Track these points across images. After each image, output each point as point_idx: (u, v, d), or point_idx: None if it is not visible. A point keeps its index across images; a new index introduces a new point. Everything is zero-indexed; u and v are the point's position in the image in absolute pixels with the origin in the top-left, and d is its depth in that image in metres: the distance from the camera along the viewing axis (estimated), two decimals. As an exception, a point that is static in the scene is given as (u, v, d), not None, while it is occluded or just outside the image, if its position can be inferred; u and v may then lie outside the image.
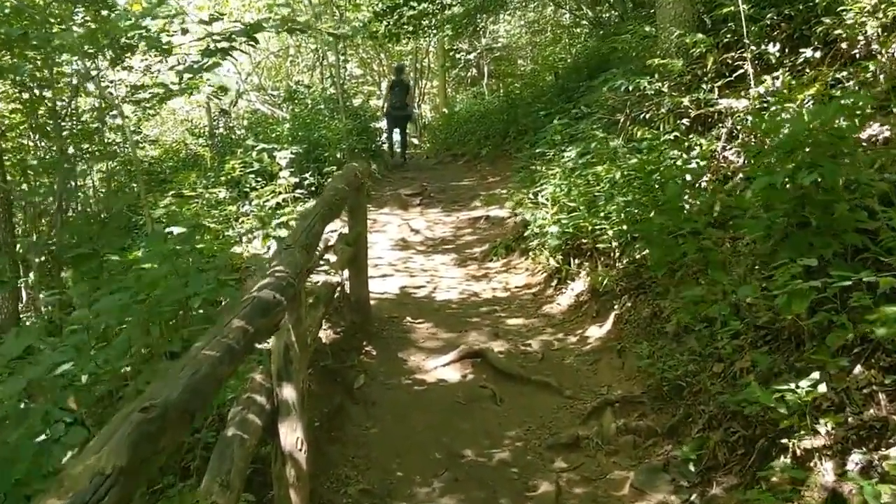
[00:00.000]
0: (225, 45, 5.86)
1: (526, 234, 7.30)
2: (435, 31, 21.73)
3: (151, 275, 3.69)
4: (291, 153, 8.64)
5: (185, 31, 6.44)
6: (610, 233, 5.48)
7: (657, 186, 4.98)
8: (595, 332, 5.05)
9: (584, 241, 5.97)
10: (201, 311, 3.66)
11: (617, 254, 5.55)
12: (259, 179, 8.85)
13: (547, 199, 6.65)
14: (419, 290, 6.63)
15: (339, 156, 9.87)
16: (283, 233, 7.84)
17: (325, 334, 4.85)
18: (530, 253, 7.09)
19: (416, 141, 25.07)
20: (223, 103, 12.82)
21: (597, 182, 6.02)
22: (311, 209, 3.76)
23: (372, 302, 6.01)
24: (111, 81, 12.65)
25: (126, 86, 12.87)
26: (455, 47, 24.23)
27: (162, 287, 3.57)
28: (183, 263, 3.91)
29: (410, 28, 16.52)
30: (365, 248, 5.42)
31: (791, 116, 4.09)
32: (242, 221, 8.05)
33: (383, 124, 14.05)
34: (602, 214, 5.61)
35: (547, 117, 10.71)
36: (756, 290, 3.34)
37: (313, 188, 9.44)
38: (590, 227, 5.72)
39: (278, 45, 19.08)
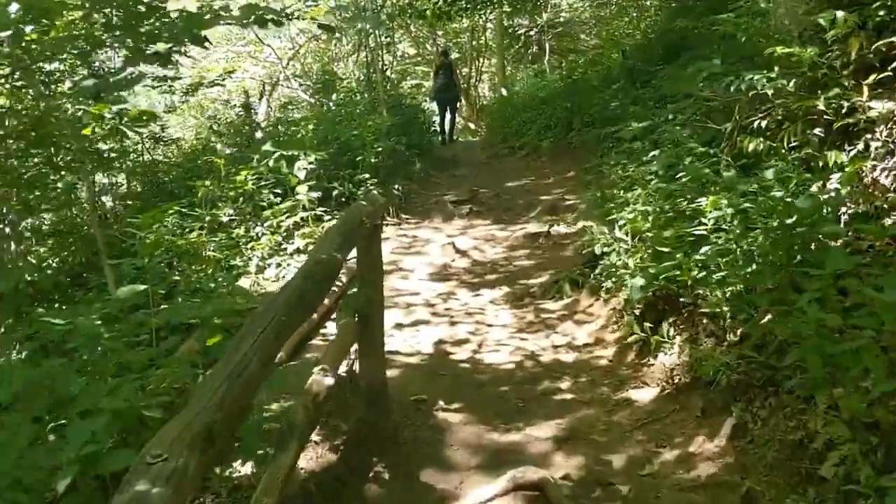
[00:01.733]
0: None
1: (596, 265, 5.79)
2: (492, 7, 20.15)
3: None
4: (311, 162, 7.26)
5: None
6: (719, 292, 3.92)
7: (796, 236, 3.41)
8: (704, 448, 3.50)
9: (680, 295, 4.42)
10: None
11: (728, 319, 3.98)
12: (278, 192, 7.52)
13: (626, 232, 5.10)
14: (460, 347, 5.17)
15: (374, 160, 8.45)
16: (298, 262, 6.52)
17: (315, 454, 3.45)
18: (602, 293, 5.56)
19: (472, 126, 23.48)
20: (250, 97, 11.54)
21: (695, 213, 4.44)
22: (264, 312, 2.32)
23: (396, 373, 4.60)
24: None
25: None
26: (514, 23, 22.46)
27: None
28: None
29: (463, 4, 14.99)
30: (380, 316, 3.99)
31: None
32: (253, 246, 6.73)
33: (433, 106, 14.31)
34: (705, 262, 4.04)
35: (618, 108, 9.11)
36: None
37: (344, 199, 8.07)
38: (688, 280, 4.15)
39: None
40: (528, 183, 10.46)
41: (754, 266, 3.56)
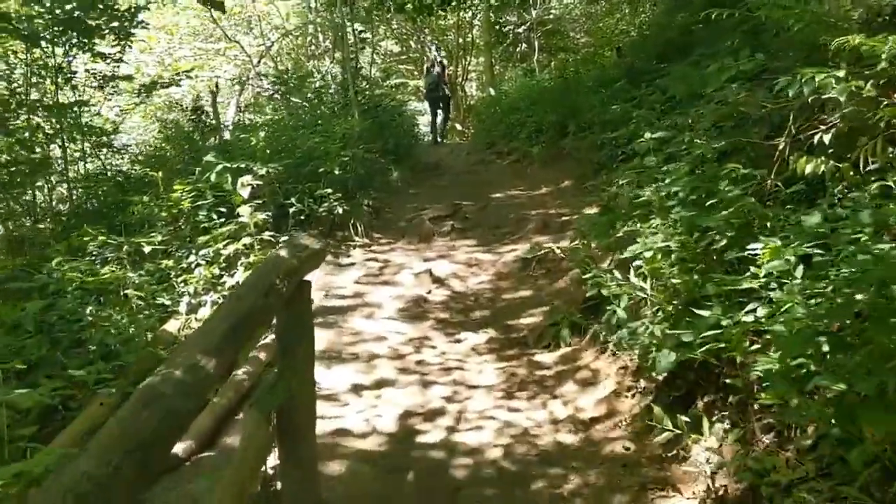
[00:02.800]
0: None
1: (600, 308, 4.68)
2: (478, 2, 19.02)
3: None
4: (262, 175, 6.11)
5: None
6: (785, 381, 2.79)
7: None
8: None
9: (720, 368, 3.30)
10: None
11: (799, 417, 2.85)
12: (223, 212, 6.37)
13: (643, 272, 3.97)
14: (432, 423, 4.01)
15: (339, 171, 7.29)
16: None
17: None
18: (610, 345, 4.45)
19: (458, 126, 22.28)
20: (201, 99, 10.35)
21: (739, 261, 3.33)
22: None
23: (341, 469, 3.45)
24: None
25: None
26: (502, 19, 21.33)
27: None
28: None
29: (446, -2, 13.88)
30: (310, 415, 2.84)
31: None
32: (186, 280, 5.59)
33: (425, 106, 14.25)
34: (762, 328, 2.93)
35: (618, 111, 8.02)
36: None
37: (303, 217, 6.93)
38: (738, 356, 3.03)
39: (295, 21, 16.52)
40: (517, 194, 9.33)
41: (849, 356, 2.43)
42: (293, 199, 6.87)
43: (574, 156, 9.58)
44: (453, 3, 14.79)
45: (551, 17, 21.81)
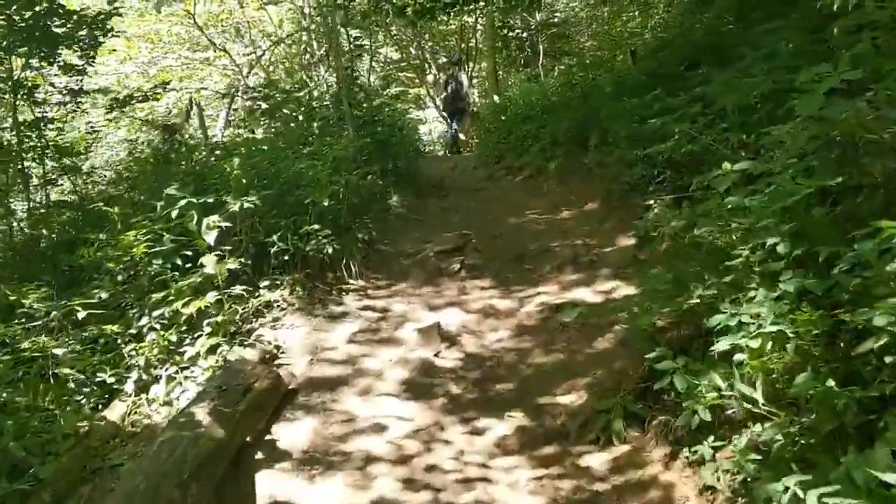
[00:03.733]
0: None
1: (664, 392, 3.54)
2: (483, 5, 17.91)
3: None
4: (224, 219, 4.98)
5: None
6: None
7: None
8: None
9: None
10: None
11: None
12: (188, 255, 5.25)
13: (751, 380, 2.82)
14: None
15: (329, 202, 6.15)
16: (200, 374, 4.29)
17: None
18: (686, 451, 3.32)
19: (462, 136, 21.05)
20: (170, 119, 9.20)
21: None
22: None
23: None
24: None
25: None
26: (507, 23, 20.20)
27: None
28: None
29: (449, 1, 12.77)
30: None
31: None
32: (135, 349, 4.46)
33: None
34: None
35: (656, 123, 6.90)
36: None
37: (287, 258, 5.81)
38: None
39: (289, 28, 15.37)
40: (536, 219, 8.18)
41: None
42: (275, 237, 5.74)
43: (597, 172, 8.45)
44: (457, 7, 13.71)
45: (556, 20, 20.67)
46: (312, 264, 6.07)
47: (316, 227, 5.79)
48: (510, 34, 19.52)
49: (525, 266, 6.68)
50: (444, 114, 14.08)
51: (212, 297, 4.67)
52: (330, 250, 5.92)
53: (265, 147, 6.86)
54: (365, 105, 9.83)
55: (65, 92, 8.96)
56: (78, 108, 8.29)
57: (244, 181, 5.65)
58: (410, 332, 5.37)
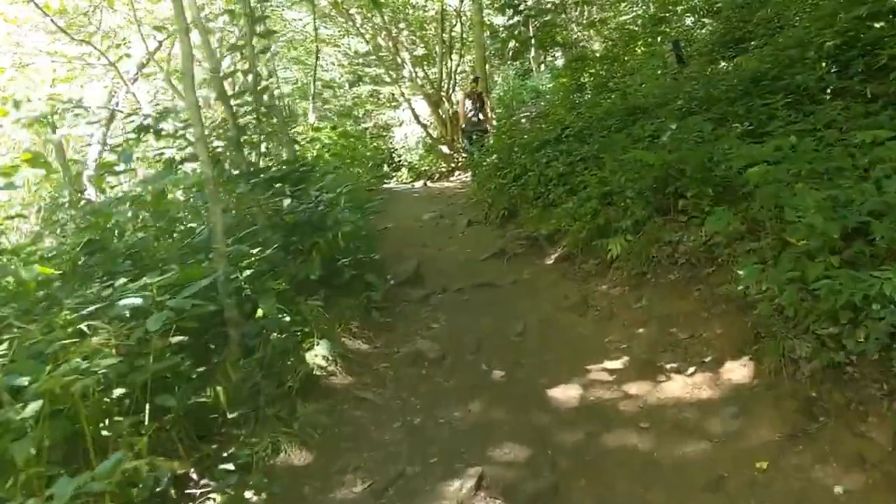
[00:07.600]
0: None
1: None
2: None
3: None
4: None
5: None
6: None
7: None
8: None
9: None
10: None
11: None
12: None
13: None
14: None
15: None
16: None
17: None
18: None
19: (446, 150, 17.10)
20: None
21: None
22: None
23: None
24: None
25: None
26: (495, 7, 16.28)
27: None
28: None
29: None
30: None
31: None
32: None
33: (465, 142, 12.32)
34: None
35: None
36: None
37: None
38: None
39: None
40: (611, 385, 4.34)
41: None
42: None
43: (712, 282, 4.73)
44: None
45: (549, 5, 16.76)
46: None
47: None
48: (508, 23, 15.67)
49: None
50: (465, 133, 12.08)
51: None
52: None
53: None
54: (271, 156, 5.86)
55: None
56: None
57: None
58: None
